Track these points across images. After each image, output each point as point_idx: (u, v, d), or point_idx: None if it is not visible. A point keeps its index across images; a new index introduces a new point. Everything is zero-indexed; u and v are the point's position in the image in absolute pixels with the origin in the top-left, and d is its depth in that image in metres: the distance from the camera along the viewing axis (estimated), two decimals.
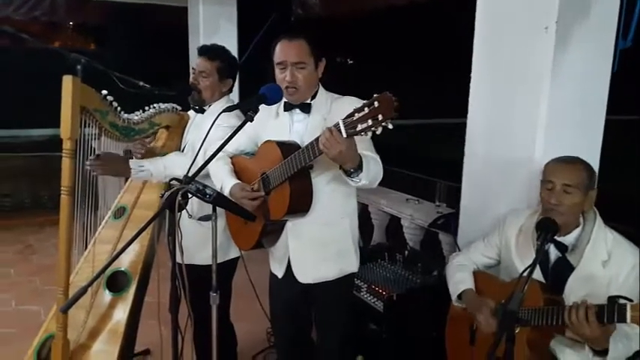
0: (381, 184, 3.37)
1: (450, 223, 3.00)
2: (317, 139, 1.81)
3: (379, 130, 1.62)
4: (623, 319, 1.61)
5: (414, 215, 3.47)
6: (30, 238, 5.37)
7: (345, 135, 1.69)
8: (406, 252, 3.04)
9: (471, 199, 2.74)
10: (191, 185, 1.84)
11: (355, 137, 1.73)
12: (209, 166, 2.30)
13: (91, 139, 2.48)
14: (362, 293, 2.72)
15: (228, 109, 2.04)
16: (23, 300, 4.02)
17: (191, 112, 2.75)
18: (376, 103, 1.59)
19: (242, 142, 2.32)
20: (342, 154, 1.73)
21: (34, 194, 6.43)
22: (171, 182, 1.90)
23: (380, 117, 1.58)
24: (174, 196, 1.82)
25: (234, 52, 5.62)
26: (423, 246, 3.56)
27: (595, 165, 2.48)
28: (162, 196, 1.88)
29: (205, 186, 1.87)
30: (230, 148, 2.32)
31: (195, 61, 2.65)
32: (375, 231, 3.98)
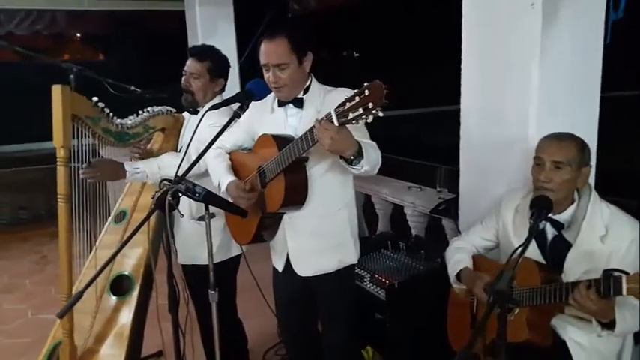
0: (383, 173, 3.37)
1: (450, 208, 2.98)
2: (311, 130, 1.82)
3: (370, 119, 1.64)
4: (619, 292, 1.60)
5: (416, 203, 3.45)
6: (44, 249, 5.46)
7: (337, 124, 1.70)
8: (411, 240, 3.04)
9: (469, 182, 2.73)
10: (181, 185, 1.86)
11: (351, 125, 1.73)
12: (208, 164, 2.34)
13: (98, 147, 2.52)
14: (365, 283, 2.72)
15: (214, 107, 2.05)
16: (39, 309, 4.09)
17: (186, 114, 2.77)
18: (367, 92, 1.60)
19: (239, 137, 2.35)
20: (335, 140, 1.72)
21: (49, 205, 6.52)
22: (162, 183, 1.90)
23: (370, 105, 1.58)
24: (164, 197, 1.84)
25: (233, 51, 5.68)
26: (428, 233, 3.54)
27: (593, 140, 2.46)
28: (154, 197, 1.91)
29: (195, 185, 1.88)
30: (228, 144, 2.36)
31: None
32: (380, 220, 3.97)
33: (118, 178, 2.50)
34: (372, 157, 1.89)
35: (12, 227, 6.35)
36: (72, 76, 2.64)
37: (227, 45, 5.54)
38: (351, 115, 1.64)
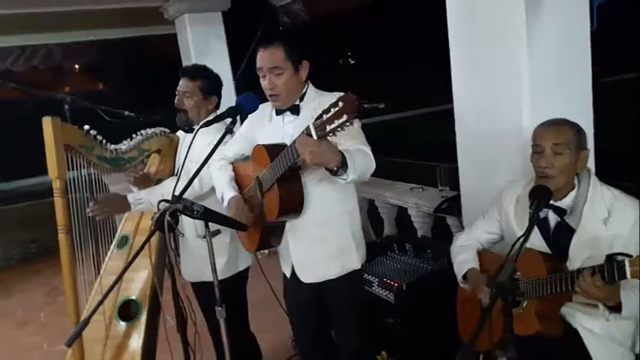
0: (384, 176, 3.33)
1: (453, 205, 2.97)
2: (295, 141, 1.82)
3: (347, 130, 1.64)
4: (623, 276, 1.58)
5: (419, 203, 3.44)
6: (56, 280, 5.46)
7: (315, 137, 1.69)
8: (417, 241, 3.02)
9: (469, 178, 2.73)
10: (178, 204, 1.86)
11: (344, 133, 1.71)
12: (212, 176, 2.36)
13: (100, 176, 2.54)
14: (374, 288, 2.70)
15: (206, 124, 2.06)
16: (54, 341, 4.09)
17: (180, 133, 2.78)
18: (340, 104, 1.61)
19: (242, 147, 2.36)
20: (315, 154, 1.72)
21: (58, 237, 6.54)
22: (160, 204, 1.91)
23: (345, 117, 1.59)
24: (163, 217, 1.84)
25: (228, 69, 5.72)
26: (434, 232, 3.52)
27: (589, 125, 2.45)
28: (153, 218, 1.91)
29: (193, 202, 1.88)
30: (230, 154, 2.38)
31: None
32: (385, 224, 3.95)
33: (123, 212, 2.53)
34: (359, 166, 1.85)
35: (24, 261, 6.40)
36: (66, 106, 2.66)
37: (220, 63, 5.59)
38: (328, 128, 1.64)
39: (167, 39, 6.39)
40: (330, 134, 1.65)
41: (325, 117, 1.64)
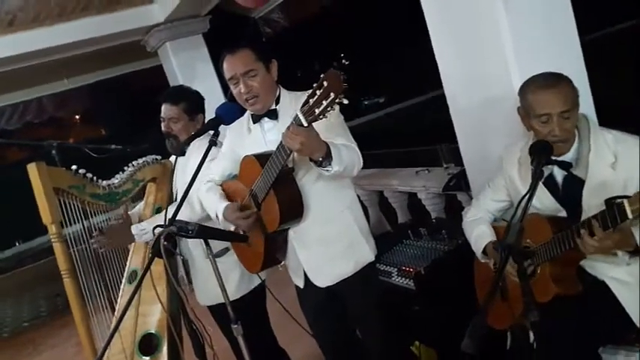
0: (388, 165, 3.26)
1: (460, 181, 2.90)
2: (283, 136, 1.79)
3: (337, 109, 1.64)
4: (625, 217, 1.53)
5: (427, 185, 3.37)
6: None
7: (306, 124, 1.67)
8: (430, 223, 2.95)
9: (470, 150, 2.67)
10: (172, 227, 1.82)
11: (326, 126, 1.74)
12: (202, 200, 2.30)
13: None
14: (393, 278, 2.62)
15: (187, 142, 2.02)
16: None
17: (173, 158, 2.73)
18: (325, 83, 1.58)
19: (226, 166, 2.30)
20: (305, 145, 1.71)
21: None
22: (155, 229, 1.86)
23: (332, 95, 1.57)
24: (159, 242, 1.79)
25: (218, 89, 5.67)
26: (448, 212, 3.45)
27: (583, 77, 2.36)
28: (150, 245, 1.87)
29: (187, 222, 1.84)
30: (216, 175, 2.32)
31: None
32: (398, 213, 3.88)
33: (128, 244, 2.50)
34: (345, 158, 1.85)
35: (52, 316, 6.42)
36: (53, 151, 2.64)
37: (210, 84, 5.56)
38: (317, 111, 1.62)
39: (157, 69, 6.40)
40: (321, 117, 1.62)
41: (312, 101, 1.62)
